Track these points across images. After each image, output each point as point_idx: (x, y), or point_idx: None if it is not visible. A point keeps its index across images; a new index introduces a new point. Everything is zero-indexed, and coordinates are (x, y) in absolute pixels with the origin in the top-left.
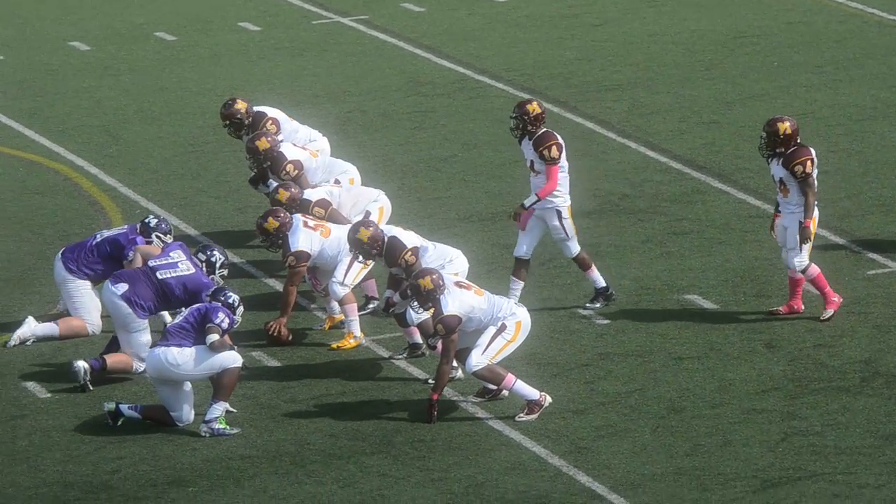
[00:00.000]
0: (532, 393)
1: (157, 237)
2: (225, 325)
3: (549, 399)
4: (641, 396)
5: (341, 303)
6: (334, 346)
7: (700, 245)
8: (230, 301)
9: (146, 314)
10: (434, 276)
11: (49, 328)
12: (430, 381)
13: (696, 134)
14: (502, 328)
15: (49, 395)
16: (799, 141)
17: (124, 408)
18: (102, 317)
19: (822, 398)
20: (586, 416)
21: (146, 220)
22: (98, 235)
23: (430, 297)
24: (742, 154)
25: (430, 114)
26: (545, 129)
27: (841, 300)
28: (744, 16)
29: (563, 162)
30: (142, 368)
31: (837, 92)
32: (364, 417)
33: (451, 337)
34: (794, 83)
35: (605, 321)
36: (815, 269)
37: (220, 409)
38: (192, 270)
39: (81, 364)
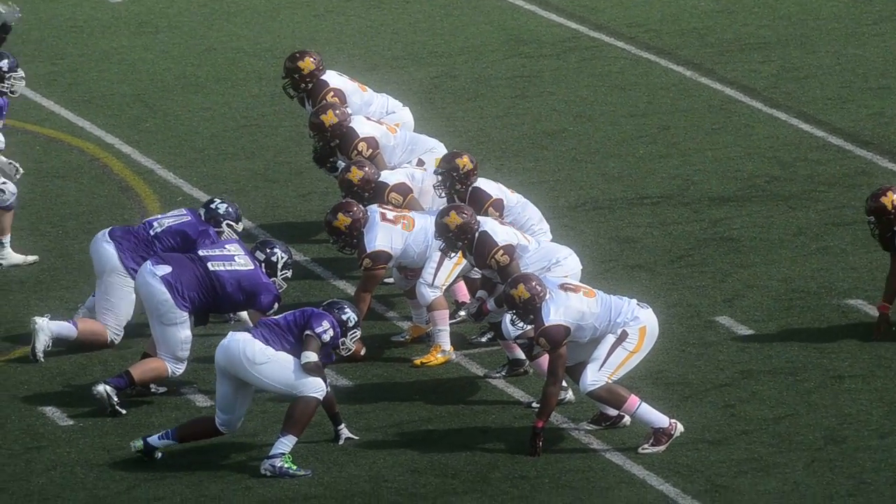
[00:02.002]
0: (660, 419)
1: (229, 226)
2: (327, 337)
3: (680, 427)
4: (793, 423)
5: (430, 308)
6: (418, 361)
7: (865, 239)
8: (345, 318)
9: (188, 306)
10: (531, 283)
11: (66, 328)
12: (534, 405)
13: (862, 102)
14: (623, 336)
15: (71, 421)
16: None
17: (154, 439)
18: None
19: None
20: (725, 448)
21: (213, 205)
22: (152, 224)
23: (528, 309)
24: None
25: (534, 79)
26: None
27: None
28: None
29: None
30: (180, 371)
31: None
32: (454, 449)
33: (559, 351)
34: None
35: (749, 331)
36: None
37: (288, 444)
38: (251, 266)
39: (102, 388)
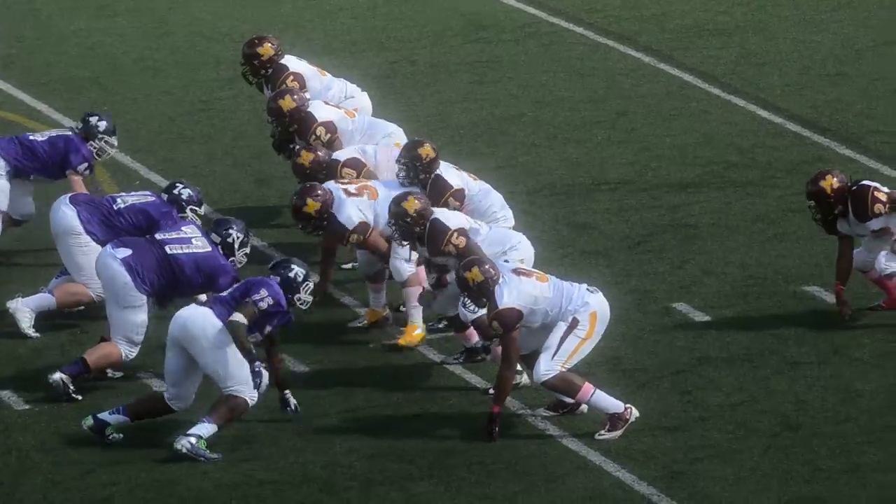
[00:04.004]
0: (615, 405)
1: (192, 210)
2: (264, 304)
3: (635, 413)
4: (749, 410)
5: (404, 285)
6: (401, 341)
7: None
8: (291, 275)
9: (147, 289)
10: (484, 267)
11: (43, 299)
12: (490, 391)
13: (819, 89)
14: (574, 324)
15: (27, 406)
16: None
17: (105, 415)
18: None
19: None
20: (682, 434)
21: (175, 191)
22: (115, 200)
23: (481, 291)
24: (874, 114)
25: (493, 64)
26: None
27: None
28: None
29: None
30: (133, 355)
31: None
32: (410, 435)
33: (511, 335)
34: None
35: (706, 318)
36: None
37: (208, 430)
38: (208, 248)
39: (58, 377)
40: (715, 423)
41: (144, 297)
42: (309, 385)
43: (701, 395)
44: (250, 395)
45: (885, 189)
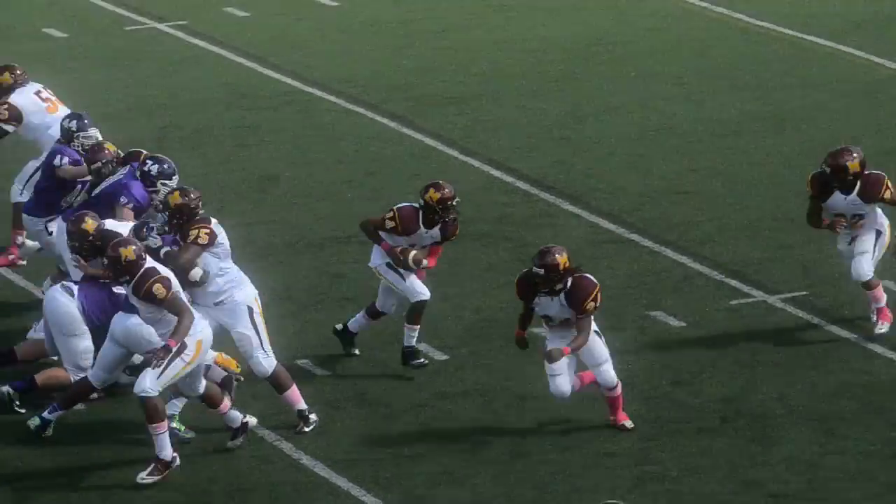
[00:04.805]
0: (167, 451)
1: (163, 184)
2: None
3: (178, 462)
4: (482, 440)
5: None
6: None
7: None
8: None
9: (92, 324)
10: (136, 247)
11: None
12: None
13: (546, 151)
14: (182, 348)
15: None
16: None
17: (46, 414)
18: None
19: (680, 440)
20: (422, 462)
21: (146, 167)
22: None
23: (128, 270)
24: (595, 174)
25: (254, 129)
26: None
27: None
28: (599, 22)
29: None
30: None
31: (700, 105)
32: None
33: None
34: (653, 95)
35: (444, 357)
36: None
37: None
38: None
39: (5, 389)
40: (451, 451)
41: (86, 326)
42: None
43: (439, 426)
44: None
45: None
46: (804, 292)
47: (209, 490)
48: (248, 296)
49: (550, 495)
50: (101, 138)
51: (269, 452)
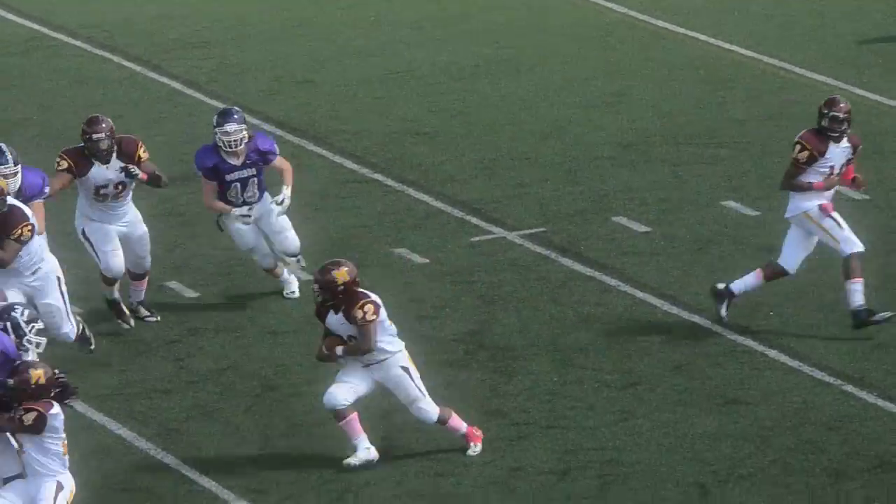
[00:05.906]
0: None
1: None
2: None
3: None
4: (234, 374)
5: None
6: None
7: (296, 211)
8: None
9: None
10: None
11: None
12: None
13: (290, 94)
14: None
15: None
16: None
17: None
18: None
19: (426, 373)
20: (175, 397)
21: None
22: None
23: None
24: (338, 115)
25: (2, 74)
26: None
27: None
28: None
29: None
30: None
31: (438, 49)
32: None
33: None
34: (393, 39)
35: (195, 294)
36: None
37: None
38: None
39: None
40: (203, 386)
41: None
42: None
43: (191, 361)
44: None
45: None
46: (542, 229)
47: None
48: (54, 265)
49: (303, 427)
50: None
51: None
